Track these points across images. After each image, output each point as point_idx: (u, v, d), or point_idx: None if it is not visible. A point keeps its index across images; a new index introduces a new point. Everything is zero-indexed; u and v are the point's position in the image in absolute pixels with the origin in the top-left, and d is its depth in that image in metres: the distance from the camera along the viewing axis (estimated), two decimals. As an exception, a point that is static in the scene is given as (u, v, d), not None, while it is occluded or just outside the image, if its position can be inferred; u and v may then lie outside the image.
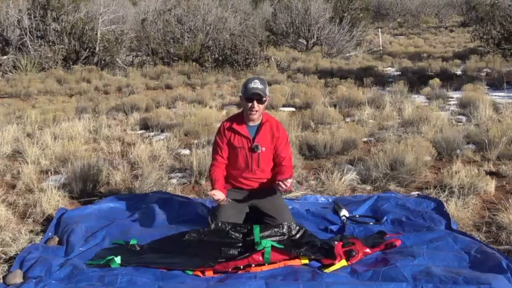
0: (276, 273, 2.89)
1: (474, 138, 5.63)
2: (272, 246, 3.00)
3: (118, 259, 3.04)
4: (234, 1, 20.90)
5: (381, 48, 19.69)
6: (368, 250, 3.14)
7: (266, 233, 3.15)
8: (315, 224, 3.66)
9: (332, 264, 2.95)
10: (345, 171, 4.73)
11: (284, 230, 3.20)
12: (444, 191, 4.13)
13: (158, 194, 4.19)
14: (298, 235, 3.22)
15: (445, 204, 3.81)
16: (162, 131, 7.13)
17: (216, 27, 15.90)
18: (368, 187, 4.55)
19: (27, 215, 3.96)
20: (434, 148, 5.26)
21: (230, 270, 2.96)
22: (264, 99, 3.42)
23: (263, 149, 3.48)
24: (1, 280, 2.92)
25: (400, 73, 13.13)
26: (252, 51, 14.04)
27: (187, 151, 5.79)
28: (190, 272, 2.96)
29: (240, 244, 3.13)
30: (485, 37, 15.47)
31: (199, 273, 2.95)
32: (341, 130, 6.25)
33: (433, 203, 3.87)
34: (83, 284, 2.83)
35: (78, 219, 3.69)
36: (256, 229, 3.15)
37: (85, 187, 4.49)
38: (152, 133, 7.05)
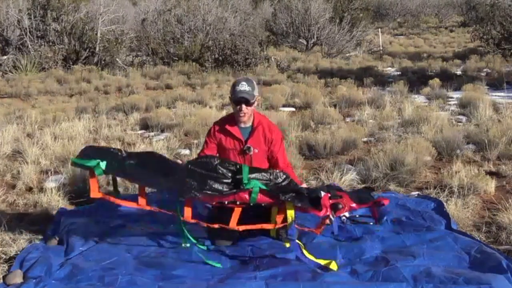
0: (276, 274, 2.88)
1: (474, 138, 5.63)
2: (260, 189, 2.98)
3: (103, 165, 3.05)
4: (234, 1, 20.89)
5: (381, 48, 19.70)
6: (354, 205, 3.13)
7: (254, 174, 3.07)
8: (315, 224, 3.64)
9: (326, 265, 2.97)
10: (345, 171, 4.73)
11: (272, 176, 3.11)
12: (444, 191, 4.13)
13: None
14: (284, 183, 3.13)
15: (445, 204, 3.81)
16: (162, 131, 7.13)
17: (216, 27, 15.91)
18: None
19: (27, 215, 3.96)
20: (434, 148, 5.25)
21: (214, 203, 2.97)
22: (252, 101, 3.40)
23: (256, 150, 3.46)
24: (1, 280, 2.92)
25: (400, 73, 13.14)
26: (252, 51, 14.06)
27: (187, 151, 5.79)
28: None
29: (227, 181, 3.06)
30: (485, 37, 15.48)
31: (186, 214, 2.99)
32: (341, 130, 6.25)
33: (433, 203, 3.87)
34: (83, 284, 2.82)
35: (78, 219, 3.69)
36: (245, 168, 3.07)
37: (85, 187, 4.48)
38: (152, 133, 7.05)
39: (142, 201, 3.18)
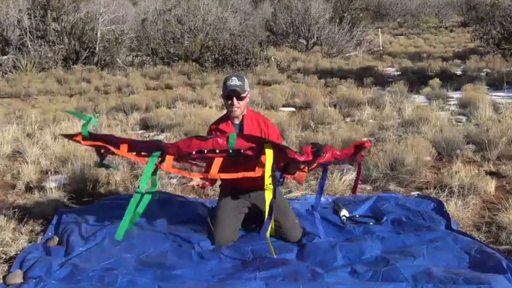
0: (276, 274, 2.88)
1: (474, 138, 5.63)
2: (238, 133, 2.95)
3: (95, 121, 3.18)
4: (234, 1, 20.91)
5: (381, 48, 19.69)
6: (338, 152, 3.05)
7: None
8: (315, 224, 3.65)
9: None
10: (345, 171, 4.73)
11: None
12: (444, 191, 4.13)
13: (158, 194, 4.18)
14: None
15: (445, 204, 3.81)
16: (162, 131, 7.13)
17: (216, 27, 15.91)
18: (368, 187, 4.55)
19: (27, 215, 3.96)
20: (434, 148, 5.26)
21: (194, 152, 2.91)
22: (243, 95, 3.39)
23: None
24: (1, 280, 2.92)
25: (400, 73, 13.13)
26: (252, 51, 14.05)
27: (187, 151, 5.78)
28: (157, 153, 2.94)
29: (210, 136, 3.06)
30: (485, 37, 15.47)
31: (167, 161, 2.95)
32: (341, 130, 6.25)
33: (433, 203, 3.87)
34: (83, 284, 2.82)
35: (78, 219, 3.69)
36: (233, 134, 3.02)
37: (85, 187, 4.48)
38: (152, 133, 7.05)
39: (123, 147, 3.12)
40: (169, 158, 3.01)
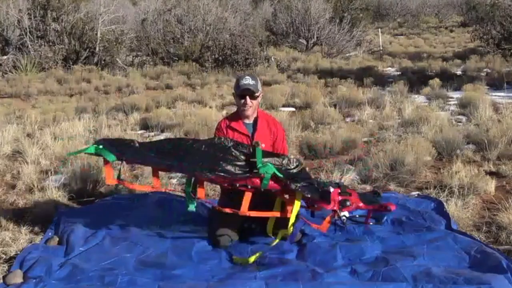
0: (276, 274, 2.88)
1: (474, 138, 5.62)
2: (272, 176, 3.00)
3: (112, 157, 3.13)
4: (234, 1, 20.90)
5: (381, 48, 19.69)
6: (361, 204, 3.18)
7: (268, 159, 3.10)
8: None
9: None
10: (345, 171, 4.73)
11: (284, 161, 3.15)
12: (444, 191, 4.12)
13: (158, 194, 4.18)
14: (295, 170, 3.16)
15: (445, 204, 3.81)
16: (162, 131, 7.13)
17: (216, 27, 15.92)
18: (368, 187, 4.55)
19: (27, 215, 3.96)
20: (434, 148, 5.25)
21: (225, 185, 3.02)
22: (256, 94, 3.42)
23: (263, 145, 3.48)
24: (1, 280, 2.92)
25: (400, 73, 13.14)
26: (252, 51, 14.06)
27: (187, 151, 5.78)
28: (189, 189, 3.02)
29: (240, 163, 3.09)
30: (485, 37, 15.47)
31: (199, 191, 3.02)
32: (341, 130, 6.25)
33: (433, 203, 3.87)
34: (83, 284, 2.82)
35: (78, 219, 3.69)
36: (259, 151, 3.10)
37: (85, 187, 4.48)
38: (152, 133, 7.05)
39: (156, 183, 3.24)
40: (200, 191, 3.13)
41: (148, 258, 3.15)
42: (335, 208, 3.07)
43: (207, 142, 3.22)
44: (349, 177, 4.61)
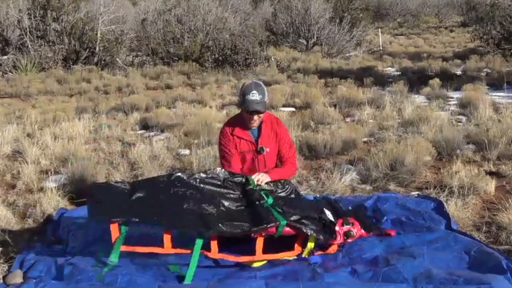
0: (276, 273, 2.88)
1: (474, 138, 5.62)
2: (287, 223, 3.03)
3: (115, 259, 2.91)
4: (234, 1, 20.91)
5: (381, 48, 19.69)
6: (363, 231, 3.29)
7: (262, 185, 3.28)
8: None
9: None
10: (345, 171, 4.73)
11: (277, 188, 3.35)
12: (444, 191, 4.13)
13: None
14: (289, 196, 3.33)
15: (445, 204, 3.80)
16: (162, 131, 7.13)
17: (216, 27, 15.92)
18: (368, 187, 4.55)
19: (27, 215, 3.96)
20: (434, 148, 5.25)
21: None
22: (264, 110, 3.42)
23: (267, 150, 3.49)
24: (1, 280, 2.92)
25: (400, 73, 13.13)
26: (252, 51, 14.05)
27: (187, 151, 5.79)
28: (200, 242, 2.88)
29: (235, 196, 3.16)
30: (485, 37, 15.47)
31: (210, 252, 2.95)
32: (341, 130, 6.25)
33: (433, 203, 3.86)
34: (83, 284, 2.82)
35: (78, 219, 3.69)
36: (251, 179, 3.24)
37: (85, 187, 4.48)
38: (152, 133, 7.05)
39: (167, 242, 2.99)
40: (214, 244, 2.99)
41: (148, 258, 3.14)
42: (341, 241, 3.19)
43: (199, 178, 3.17)
44: (349, 177, 4.61)
